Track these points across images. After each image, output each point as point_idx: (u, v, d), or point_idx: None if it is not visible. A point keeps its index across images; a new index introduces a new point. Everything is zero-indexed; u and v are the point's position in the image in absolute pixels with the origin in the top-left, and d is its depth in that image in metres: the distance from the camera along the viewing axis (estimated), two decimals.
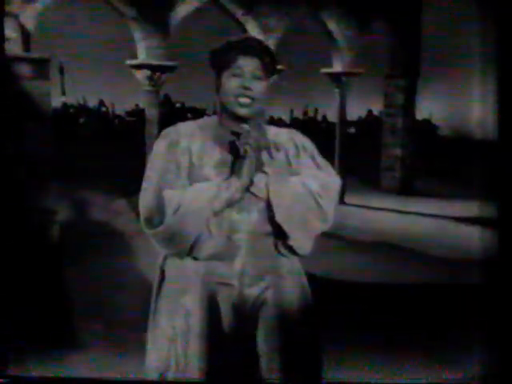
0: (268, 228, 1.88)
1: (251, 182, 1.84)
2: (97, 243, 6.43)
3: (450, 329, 4.06)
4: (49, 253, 5.75)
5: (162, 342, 1.92)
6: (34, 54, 6.70)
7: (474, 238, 5.97)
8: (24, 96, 6.31)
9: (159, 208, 1.81)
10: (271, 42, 8.18)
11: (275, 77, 2.10)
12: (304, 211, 1.88)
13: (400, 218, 8.57)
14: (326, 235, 1.98)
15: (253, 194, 1.85)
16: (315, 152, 2.02)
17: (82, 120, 33.21)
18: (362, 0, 9.21)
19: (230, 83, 1.85)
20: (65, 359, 3.50)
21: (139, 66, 7.97)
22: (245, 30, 8.40)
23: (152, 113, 8.04)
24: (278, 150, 1.95)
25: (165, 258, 1.95)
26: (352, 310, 4.36)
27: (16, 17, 6.62)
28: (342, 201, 8.54)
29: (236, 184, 1.82)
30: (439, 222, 8.21)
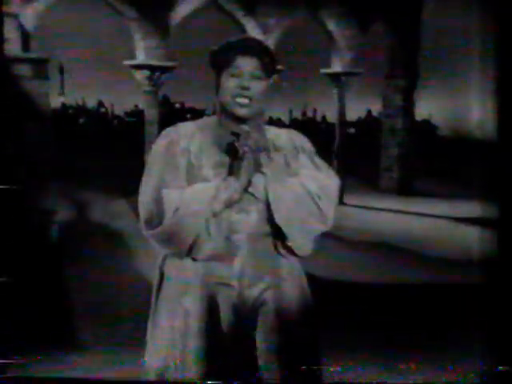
0: (267, 229, 1.87)
1: (250, 183, 1.84)
2: (97, 243, 6.43)
3: (450, 329, 4.07)
4: (48, 253, 5.76)
5: (162, 342, 1.92)
6: (34, 54, 6.71)
7: (473, 238, 5.98)
8: (24, 96, 6.32)
9: (158, 209, 1.80)
10: (271, 42, 8.18)
11: (275, 77, 2.09)
12: (303, 212, 1.87)
13: (399, 218, 8.58)
14: (325, 235, 1.98)
15: (252, 194, 1.85)
16: (314, 153, 2.01)
17: (81, 120, 33.21)
18: (362, 0, 9.21)
19: (229, 83, 1.84)
20: (65, 359, 3.49)
21: (138, 67, 7.97)
22: (244, 30, 8.40)
23: (151, 113, 8.04)
24: (277, 150, 1.94)
25: (164, 259, 1.95)
26: (352, 310, 4.36)
27: (16, 17, 6.62)
28: (341, 201, 8.54)
29: (235, 185, 1.82)
30: (439, 222, 8.22)
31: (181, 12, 8.08)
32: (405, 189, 10.39)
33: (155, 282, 1.98)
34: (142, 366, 2.01)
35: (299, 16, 9.05)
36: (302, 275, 2.01)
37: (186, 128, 1.94)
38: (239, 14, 8.42)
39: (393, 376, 3.33)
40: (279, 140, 1.97)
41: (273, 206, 1.84)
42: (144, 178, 1.89)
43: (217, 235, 1.83)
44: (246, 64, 1.83)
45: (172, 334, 1.89)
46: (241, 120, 1.86)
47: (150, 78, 7.91)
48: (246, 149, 1.81)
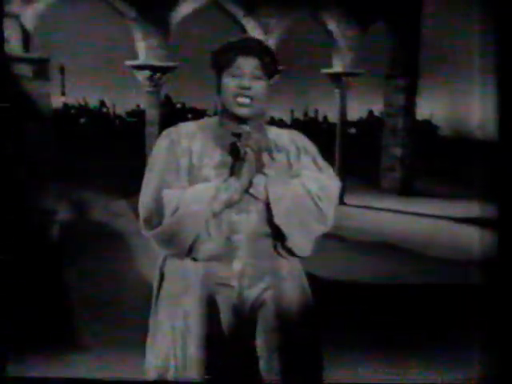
0: (267, 229, 1.87)
1: (251, 184, 1.84)
2: (97, 243, 6.43)
3: (449, 329, 4.07)
4: (49, 253, 5.76)
5: (162, 342, 1.92)
6: (34, 54, 6.70)
7: (474, 238, 5.98)
8: (24, 96, 6.32)
9: (158, 209, 1.81)
10: (272, 43, 8.18)
11: (276, 77, 2.09)
12: (303, 213, 1.87)
13: (400, 218, 8.57)
14: (326, 236, 1.98)
15: (252, 195, 1.85)
16: (316, 154, 2.01)
17: (82, 120, 33.24)
18: (362, 0, 9.21)
19: (230, 83, 1.84)
20: (65, 359, 3.50)
21: (140, 67, 7.97)
22: (245, 31, 8.40)
23: (152, 113, 8.04)
24: (278, 151, 1.94)
25: (164, 259, 1.95)
26: (352, 310, 4.36)
27: (16, 17, 6.62)
28: (342, 201, 8.54)
29: (235, 185, 1.82)
30: (439, 222, 8.22)
31: (181, 12, 8.08)
32: (406, 189, 10.39)
33: (155, 282, 1.98)
34: (142, 365, 2.01)
35: (300, 16, 9.04)
36: (302, 275, 2.01)
37: (187, 128, 1.94)
38: (239, 14, 8.42)
39: (393, 376, 3.33)
40: (281, 140, 1.97)
41: (272, 207, 1.84)
42: (145, 178, 1.89)
43: (217, 235, 1.83)
44: (247, 64, 1.83)
45: (172, 334, 1.89)
46: (242, 120, 1.86)
47: (150, 79, 7.91)
48: (246, 149, 1.81)
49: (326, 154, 2.31)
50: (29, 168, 6.26)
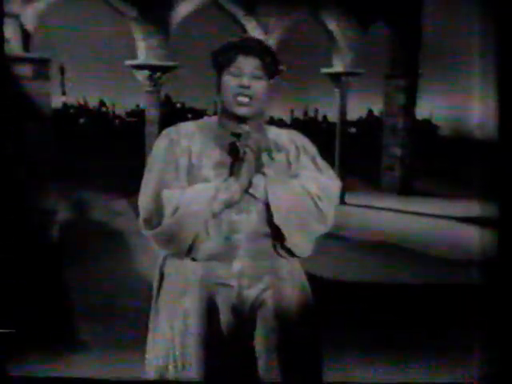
0: (267, 229, 1.87)
1: (250, 184, 1.84)
2: (97, 243, 6.43)
3: (450, 329, 4.07)
4: (49, 253, 5.76)
5: (161, 342, 1.92)
6: (34, 54, 6.70)
7: (473, 238, 5.97)
8: (24, 96, 6.32)
9: (158, 209, 1.80)
10: (272, 42, 8.18)
11: (277, 77, 2.09)
12: (303, 213, 1.87)
13: (400, 217, 8.57)
14: (326, 235, 1.98)
15: (251, 195, 1.85)
16: (316, 154, 2.01)
17: (82, 120, 33.24)
18: (362, 0, 9.21)
19: (229, 82, 1.84)
20: (65, 359, 3.50)
21: (139, 67, 7.97)
22: (245, 31, 8.40)
23: (152, 113, 8.04)
24: (278, 151, 1.94)
25: (165, 259, 1.95)
26: (352, 309, 4.36)
27: (16, 17, 6.62)
28: (342, 201, 8.54)
29: (235, 185, 1.82)
30: (439, 222, 8.22)
31: (181, 12, 8.08)
32: (405, 188, 10.39)
33: (155, 282, 1.98)
34: (141, 365, 2.01)
35: (300, 16, 9.04)
36: (302, 275, 2.01)
37: (186, 128, 1.94)
38: (240, 14, 8.42)
39: (393, 375, 3.33)
40: (280, 140, 1.97)
41: (272, 207, 1.83)
42: (144, 178, 1.89)
43: (216, 235, 1.83)
44: (247, 64, 1.83)
45: (172, 333, 1.89)
46: (241, 120, 1.86)
47: (150, 78, 7.91)
48: (246, 149, 1.81)
49: (326, 153, 2.32)
50: (29, 168, 6.26)
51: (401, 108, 10.43)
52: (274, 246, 1.89)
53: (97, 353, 3.63)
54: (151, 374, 1.94)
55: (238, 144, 1.83)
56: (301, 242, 1.89)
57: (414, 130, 10.68)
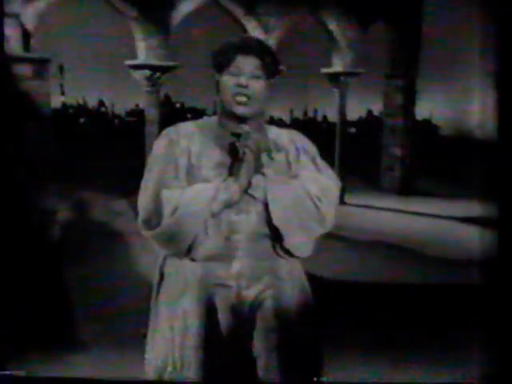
0: (266, 230, 1.87)
1: (249, 184, 1.84)
2: (97, 243, 6.43)
3: (449, 329, 4.07)
4: (49, 253, 5.76)
5: (161, 342, 1.92)
6: (34, 54, 6.70)
7: (474, 237, 5.97)
8: (24, 96, 6.32)
9: (157, 209, 1.80)
10: (272, 42, 8.17)
11: (277, 77, 2.09)
12: (302, 214, 1.87)
13: (400, 218, 8.57)
14: (326, 235, 1.98)
15: (251, 195, 1.85)
16: (316, 154, 2.01)
17: (81, 120, 33.24)
18: (362, 0, 9.20)
19: (228, 82, 1.84)
20: (65, 359, 3.50)
21: (139, 66, 7.96)
22: (245, 30, 8.40)
23: (152, 113, 8.03)
24: (278, 151, 1.94)
25: (165, 259, 1.95)
26: (352, 309, 4.36)
27: (16, 17, 6.62)
28: (342, 201, 8.54)
29: (234, 186, 1.82)
30: (439, 222, 8.21)
31: (181, 12, 8.08)
32: (405, 188, 10.38)
33: (155, 282, 1.98)
34: (142, 365, 2.01)
35: (300, 16, 9.04)
36: (302, 275, 2.01)
37: (186, 128, 1.94)
38: (240, 14, 8.41)
39: (393, 375, 3.33)
40: (280, 140, 1.97)
41: (271, 207, 1.83)
42: (144, 178, 1.89)
43: (215, 236, 1.83)
44: (247, 63, 1.83)
45: (171, 334, 1.89)
46: (241, 120, 1.86)
47: (150, 78, 7.90)
48: (246, 149, 1.81)
49: (326, 153, 2.31)
50: (29, 168, 6.26)
51: (400, 108, 10.42)
52: (274, 247, 1.89)
53: (97, 353, 3.63)
54: (151, 374, 1.94)
55: (237, 144, 1.83)
56: (300, 242, 1.89)
57: (413, 130, 10.67)
